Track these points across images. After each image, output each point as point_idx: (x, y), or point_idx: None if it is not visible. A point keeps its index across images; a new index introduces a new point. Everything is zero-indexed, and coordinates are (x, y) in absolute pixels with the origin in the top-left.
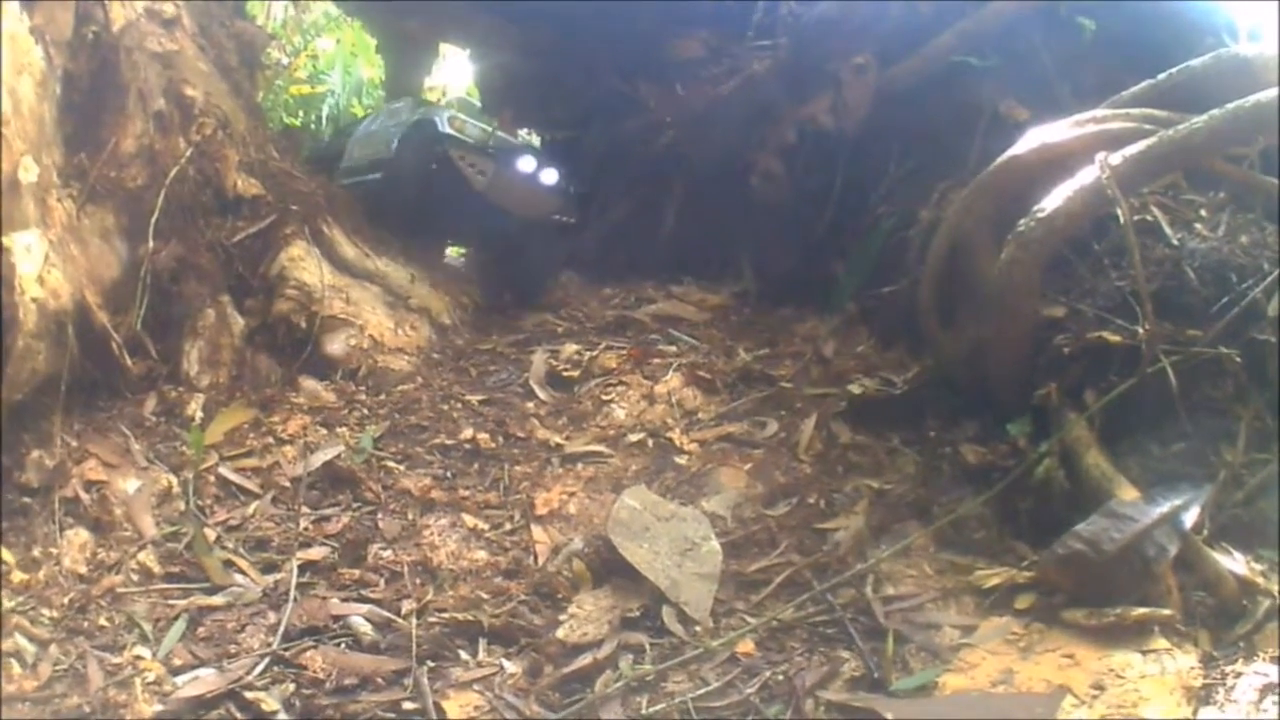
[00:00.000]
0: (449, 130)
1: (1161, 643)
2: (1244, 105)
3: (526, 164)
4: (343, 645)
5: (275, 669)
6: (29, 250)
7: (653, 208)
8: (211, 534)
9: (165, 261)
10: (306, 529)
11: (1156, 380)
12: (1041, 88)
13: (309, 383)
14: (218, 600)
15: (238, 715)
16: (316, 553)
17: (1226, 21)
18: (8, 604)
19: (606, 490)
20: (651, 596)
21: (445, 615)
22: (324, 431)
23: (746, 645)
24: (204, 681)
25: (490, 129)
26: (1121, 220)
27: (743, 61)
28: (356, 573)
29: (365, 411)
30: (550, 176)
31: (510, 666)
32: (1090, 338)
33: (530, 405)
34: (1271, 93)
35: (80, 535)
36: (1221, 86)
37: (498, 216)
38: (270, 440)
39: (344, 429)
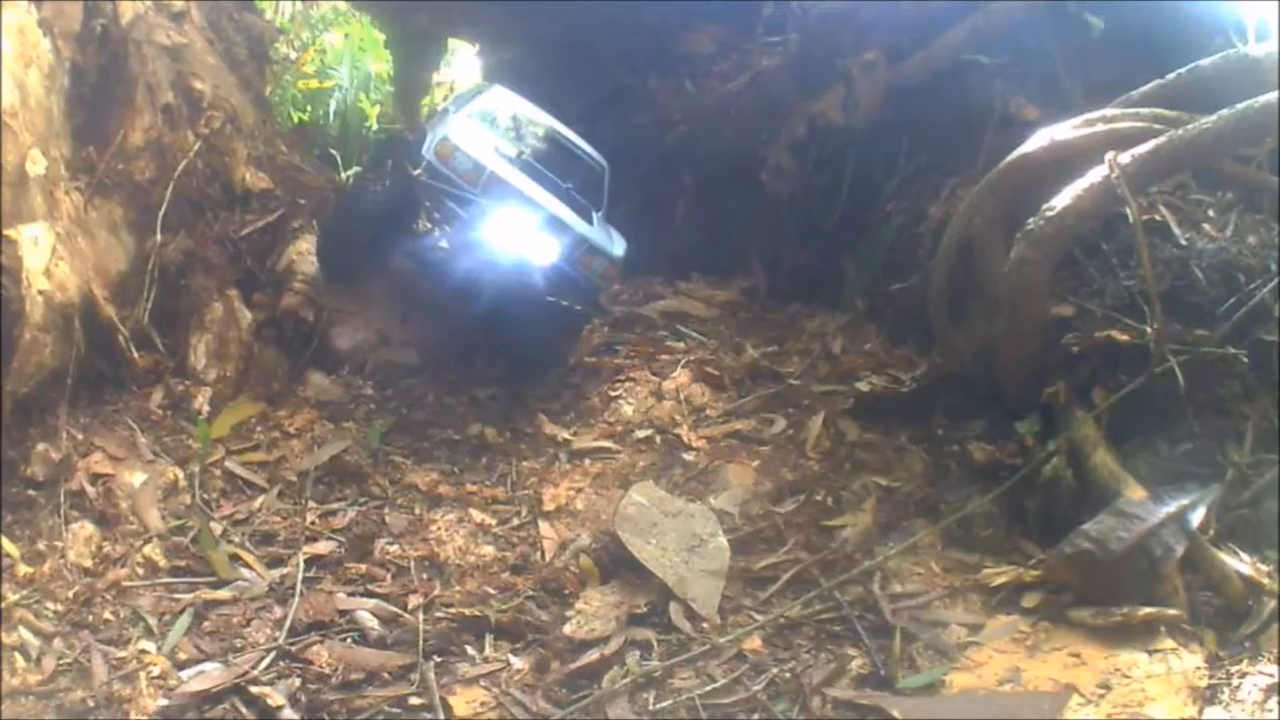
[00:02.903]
0: (432, 159)
1: (1167, 642)
2: (1253, 105)
3: (510, 226)
4: (349, 640)
5: (281, 663)
6: (36, 243)
7: (662, 203)
8: (218, 528)
9: (173, 255)
10: (313, 523)
11: (1164, 380)
12: (1051, 86)
13: (316, 377)
14: (223, 594)
15: (243, 710)
16: (323, 547)
17: (1235, 21)
18: (12, 597)
19: (614, 486)
20: (659, 593)
21: (452, 610)
22: (331, 426)
23: (754, 642)
24: (209, 676)
25: (483, 167)
26: (1130, 220)
27: (752, 57)
28: (363, 567)
29: (372, 406)
30: (545, 249)
31: (517, 662)
32: (1099, 337)
33: (538, 400)
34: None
35: (86, 529)
36: (1230, 87)
37: (469, 283)
38: (277, 434)
39: (351, 423)
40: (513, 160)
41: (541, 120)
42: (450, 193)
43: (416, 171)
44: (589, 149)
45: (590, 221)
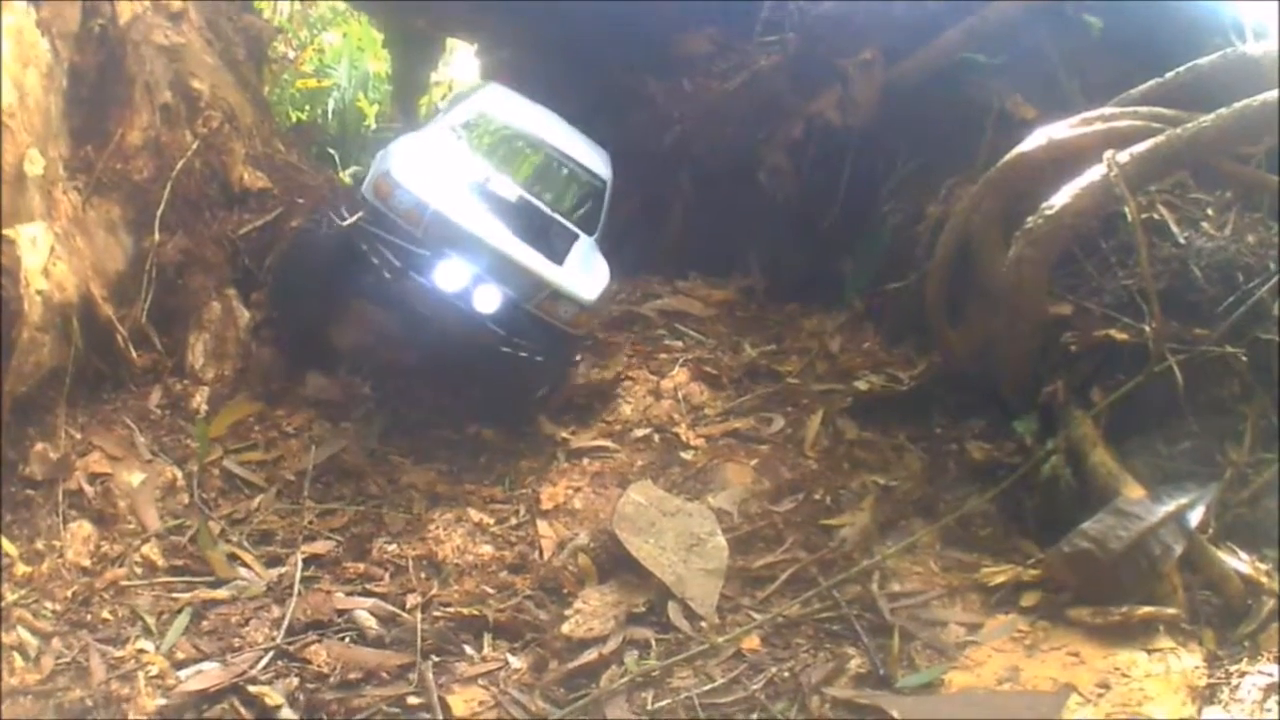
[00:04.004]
0: (371, 198)
1: (1166, 641)
2: (1251, 104)
3: (449, 271)
4: (347, 639)
5: (279, 663)
6: (34, 242)
7: (660, 203)
8: (216, 527)
9: (171, 254)
10: (311, 523)
11: (1163, 379)
12: (1049, 85)
13: (314, 376)
14: (222, 594)
15: (241, 709)
16: (321, 546)
17: (1233, 20)
18: (10, 597)
19: (612, 485)
20: (657, 592)
21: (450, 610)
22: (329, 425)
23: (752, 641)
24: (207, 675)
25: (424, 205)
26: (1129, 218)
27: (750, 57)
28: (361, 567)
29: (370, 405)
30: (487, 298)
31: (515, 661)
32: (1097, 335)
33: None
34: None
35: (84, 528)
36: (1229, 85)
37: (414, 333)
38: (275, 434)
39: (349, 423)
40: (476, 187)
41: (536, 128)
42: (386, 239)
43: (350, 219)
44: (589, 162)
45: (562, 255)
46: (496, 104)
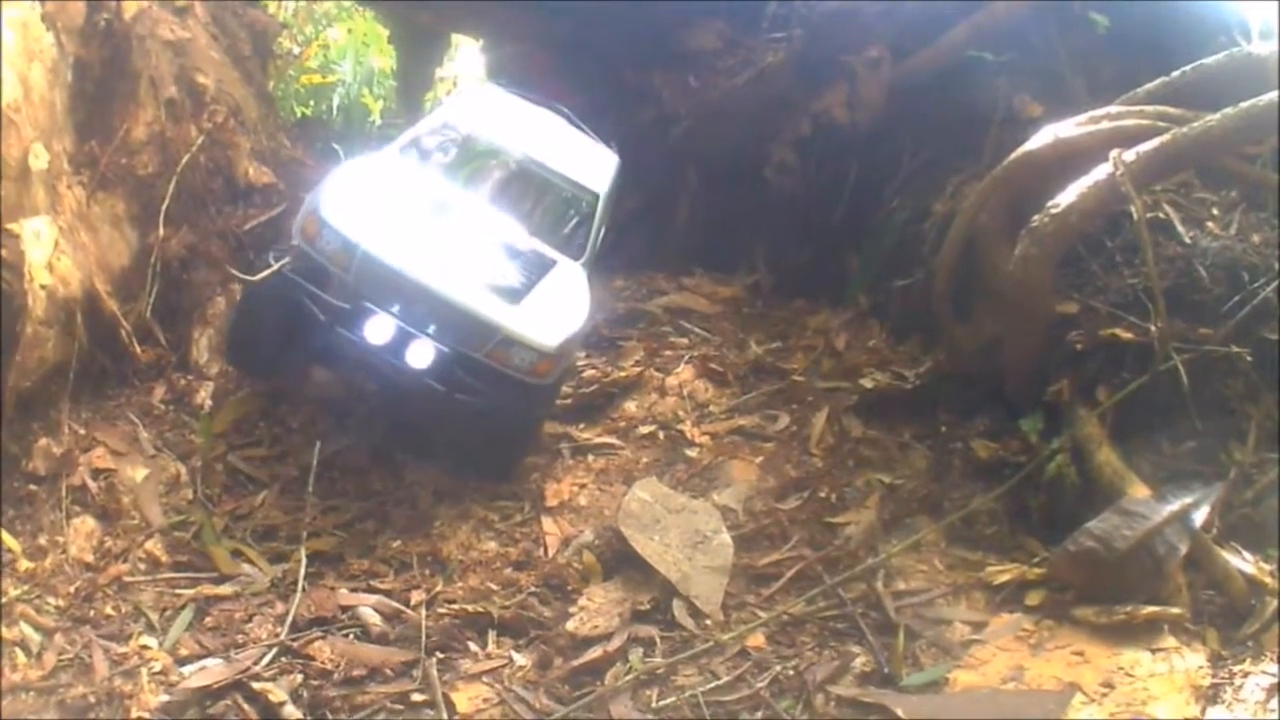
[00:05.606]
0: (300, 241)
1: (1171, 641)
2: (1257, 104)
3: (380, 327)
4: (351, 636)
5: (283, 659)
6: (39, 237)
7: (666, 199)
8: (219, 523)
9: (176, 249)
10: (315, 519)
11: (1168, 378)
12: (1055, 84)
13: (318, 372)
14: (225, 590)
15: (245, 706)
16: (325, 543)
17: (1239, 20)
18: (13, 592)
19: (617, 482)
20: (662, 589)
21: (455, 606)
22: (333, 421)
23: (757, 639)
24: (211, 672)
25: (354, 246)
26: (1134, 217)
27: (757, 54)
28: (365, 563)
29: (375, 402)
30: (420, 352)
31: (520, 658)
32: (1102, 334)
33: None
34: None
35: (87, 523)
36: (1235, 85)
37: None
38: (279, 429)
39: (352, 419)
40: (423, 219)
41: (513, 137)
42: (308, 290)
43: (269, 270)
44: (577, 173)
45: (524, 293)
46: (469, 112)
